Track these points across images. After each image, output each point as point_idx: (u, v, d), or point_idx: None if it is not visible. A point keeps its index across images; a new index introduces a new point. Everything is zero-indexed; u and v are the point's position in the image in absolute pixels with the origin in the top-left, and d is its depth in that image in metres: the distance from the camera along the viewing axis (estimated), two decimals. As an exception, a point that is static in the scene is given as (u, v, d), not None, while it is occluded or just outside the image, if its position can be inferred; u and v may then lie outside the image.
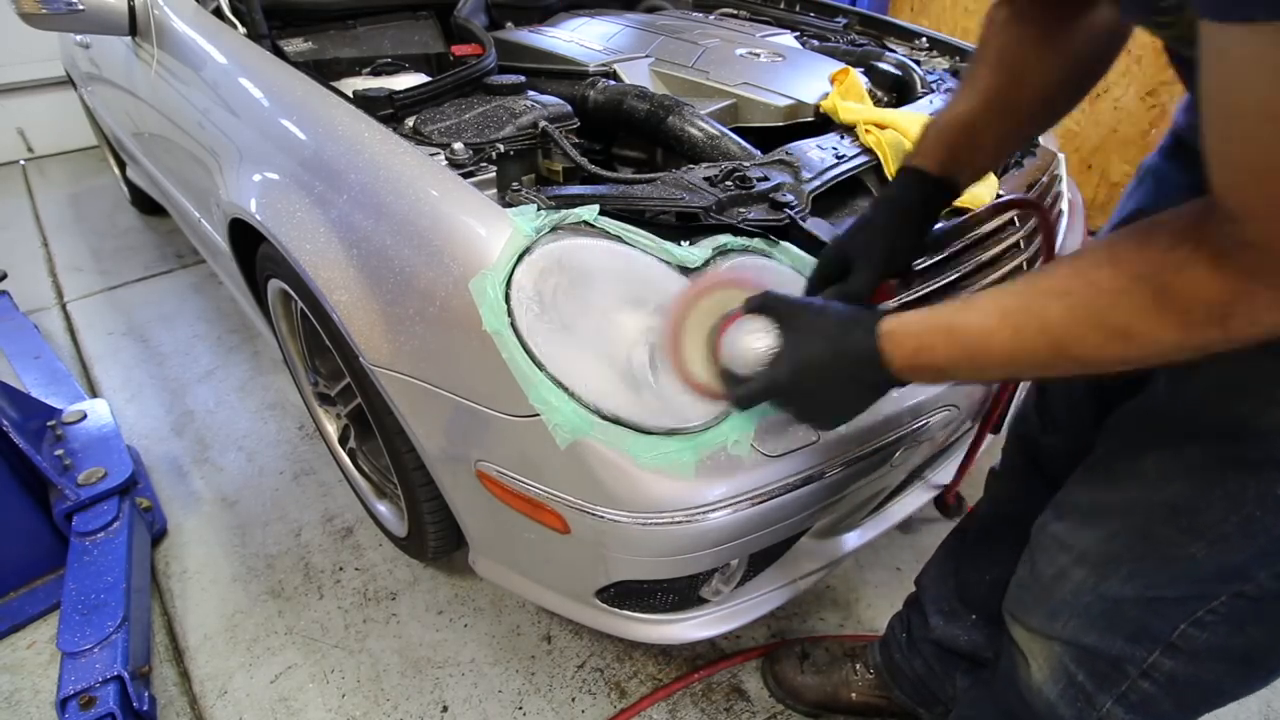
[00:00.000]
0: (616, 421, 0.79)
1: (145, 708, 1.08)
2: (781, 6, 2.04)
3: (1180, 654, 0.60)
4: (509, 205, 0.87)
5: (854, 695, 1.14)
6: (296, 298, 1.18)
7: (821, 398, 0.64)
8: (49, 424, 1.47)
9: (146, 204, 2.79)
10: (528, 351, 0.79)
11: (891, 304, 0.92)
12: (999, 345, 0.52)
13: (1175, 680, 0.62)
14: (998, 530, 0.96)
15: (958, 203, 0.98)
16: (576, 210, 0.87)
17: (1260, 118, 0.37)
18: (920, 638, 1.04)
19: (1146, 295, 0.44)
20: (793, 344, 0.64)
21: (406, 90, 1.13)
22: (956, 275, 1.04)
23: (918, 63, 1.60)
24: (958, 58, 1.73)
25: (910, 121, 1.15)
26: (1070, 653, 0.67)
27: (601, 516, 0.81)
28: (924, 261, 1.00)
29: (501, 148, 1.03)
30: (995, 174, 1.29)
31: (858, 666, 1.15)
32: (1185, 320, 0.44)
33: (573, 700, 1.18)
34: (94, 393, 1.92)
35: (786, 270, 0.92)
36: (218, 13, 1.34)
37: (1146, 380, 0.66)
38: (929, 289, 1.01)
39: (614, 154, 1.35)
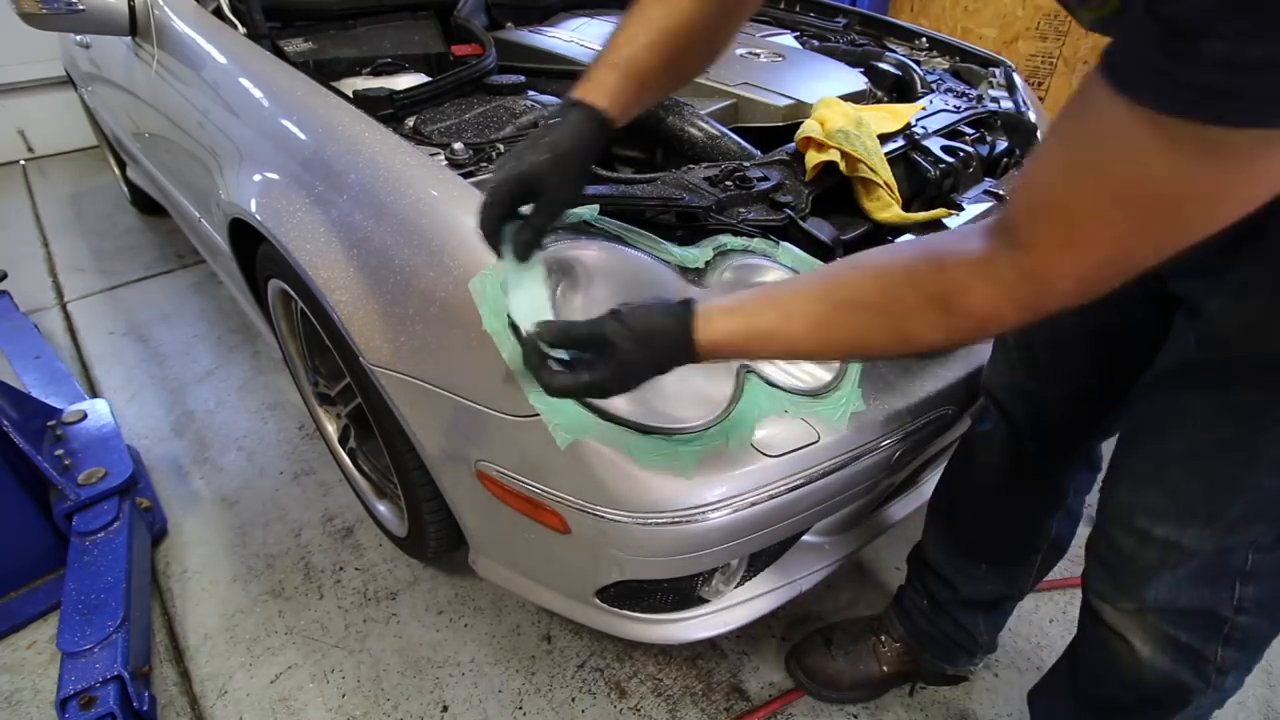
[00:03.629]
0: (616, 421, 0.79)
1: (145, 708, 1.08)
2: (781, 6, 2.04)
3: (1256, 579, 0.66)
4: (509, 205, 0.87)
5: (885, 668, 1.15)
6: (296, 298, 1.18)
7: (628, 360, 0.64)
8: (49, 424, 1.47)
9: (146, 204, 2.79)
10: (528, 351, 0.79)
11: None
12: (806, 348, 0.63)
13: (1263, 603, 0.68)
14: (997, 484, 0.96)
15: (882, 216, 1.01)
16: (576, 210, 0.87)
17: (1089, 171, 0.44)
18: (946, 600, 1.06)
19: (937, 312, 0.53)
20: (620, 311, 0.66)
21: (407, 90, 1.13)
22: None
23: (918, 63, 1.60)
24: (957, 58, 1.74)
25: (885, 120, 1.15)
26: (1167, 619, 0.71)
27: (602, 516, 0.81)
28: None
29: (501, 148, 1.03)
30: (994, 173, 1.30)
31: (882, 638, 1.16)
32: (958, 329, 0.54)
33: (573, 700, 1.18)
34: (94, 393, 1.92)
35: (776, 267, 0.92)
36: (218, 13, 1.34)
37: (1135, 320, 0.73)
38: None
39: (614, 154, 1.35)
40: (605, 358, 0.64)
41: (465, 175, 0.95)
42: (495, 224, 0.72)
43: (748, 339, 0.63)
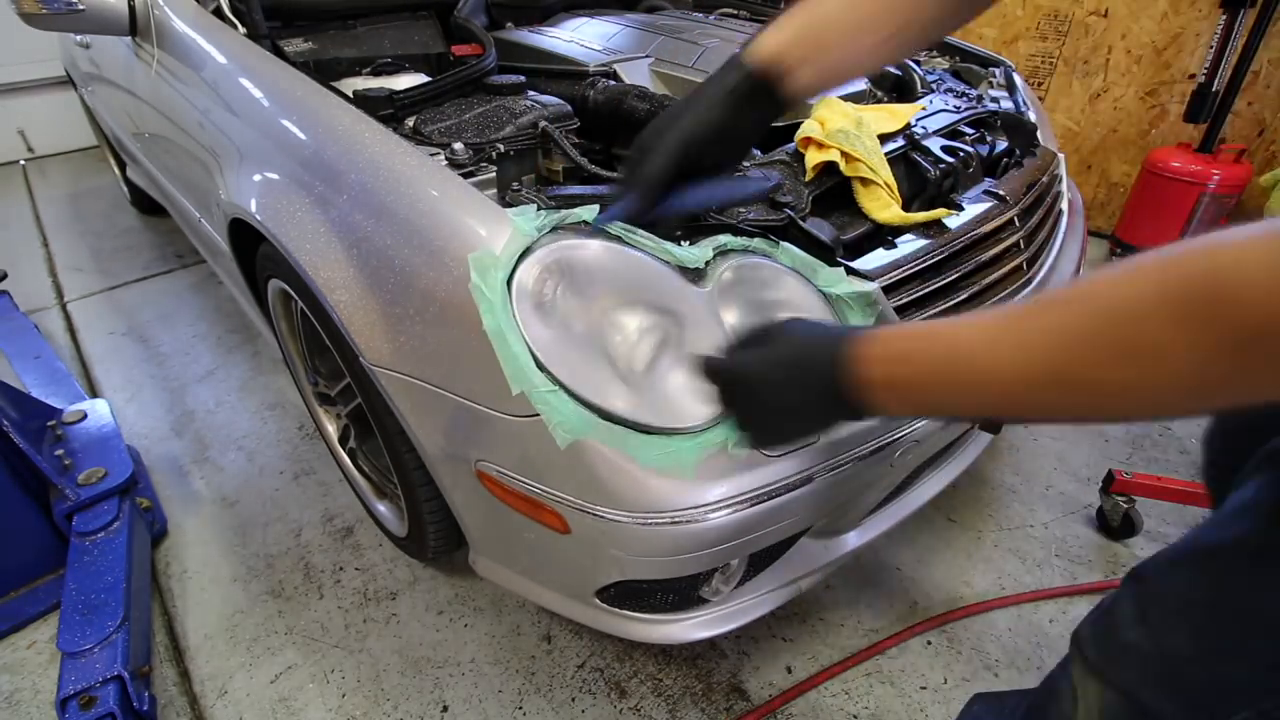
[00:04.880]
0: (617, 421, 0.79)
1: (145, 708, 1.08)
2: (782, 6, 2.04)
3: None
4: (509, 205, 0.87)
5: None
6: (296, 298, 1.18)
7: (775, 403, 0.58)
8: (49, 424, 1.47)
9: (146, 204, 2.79)
10: (529, 351, 0.79)
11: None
12: (988, 362, 0.44)
13: None
14: None
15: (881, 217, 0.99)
16: (576, 210, 0.87)
17: None
18: None
19: (1181, 307, 0.37)
20: (764, 339, 0.61)
21: (407, 90, 1.13)
22: (956, 275, 1.05)
23: (918, 63, 1.60)
24: (957, 58, 1.74)
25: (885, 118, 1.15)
26: (1122, 704, 0.60)
27: (602, 516, 0.81)
28: (923, 260, 1.00)
29: (501, 148, 1.03)
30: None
31: None
32: (1221, 345, 0.36)
33: (573, 700, 1.18)
34: (94, 393, 1.92)
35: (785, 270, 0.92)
36: (218, 13, 1.34)
37: None
38: (929, 288, 1.01)
39: (614, 154, 1.35)
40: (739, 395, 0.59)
41: (465, 175, 0.95)
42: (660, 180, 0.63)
43: (930, 367, 0.47)
